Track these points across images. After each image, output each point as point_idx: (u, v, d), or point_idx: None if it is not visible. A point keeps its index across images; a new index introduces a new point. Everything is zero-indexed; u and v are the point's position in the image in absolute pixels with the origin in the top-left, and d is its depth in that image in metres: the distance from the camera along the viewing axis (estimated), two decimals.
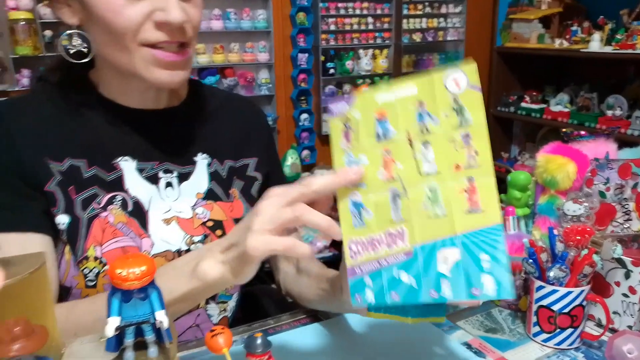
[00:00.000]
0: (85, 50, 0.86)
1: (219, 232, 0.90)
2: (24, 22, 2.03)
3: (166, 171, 0.91)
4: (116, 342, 0.55)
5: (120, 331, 0.53)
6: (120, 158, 0.88)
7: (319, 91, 2.82)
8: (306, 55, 2.73)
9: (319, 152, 2.94)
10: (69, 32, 0.85)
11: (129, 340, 0.54)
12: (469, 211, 0.53)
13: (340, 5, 2.75)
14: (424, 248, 0.54)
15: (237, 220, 0.94)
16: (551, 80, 3.21)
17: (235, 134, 1.00)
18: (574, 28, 2.86)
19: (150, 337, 0.54)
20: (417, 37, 3.01)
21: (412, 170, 0.55)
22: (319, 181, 0.60)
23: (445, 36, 3.12)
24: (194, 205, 0.92)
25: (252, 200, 0.98)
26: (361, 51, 2.88)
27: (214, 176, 0.95)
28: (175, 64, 0.83)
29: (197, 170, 0.94)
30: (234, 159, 0.98)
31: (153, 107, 0.93)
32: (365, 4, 2.81)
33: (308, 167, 2.93)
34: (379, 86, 0.56)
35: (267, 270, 1.04)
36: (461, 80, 0.53)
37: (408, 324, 0.64)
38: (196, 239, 0.91)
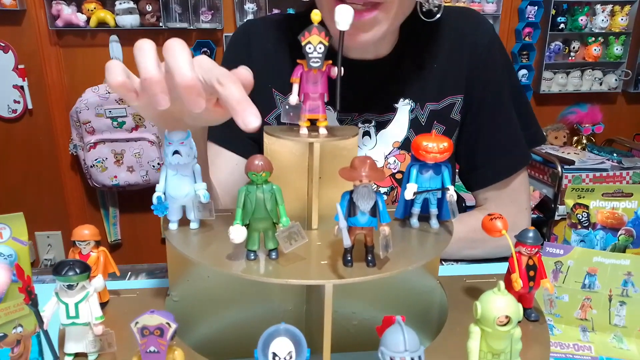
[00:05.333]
0: None
1: None
2: None
3: (365, 121, 0.92)
4: (404, 210, 0.64)
5: (409, 200, 0.61)
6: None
7: (543, 47, 2.67)
8: (535, 8, 2.60)
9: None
10: None
11: (416, 209, 0.63)
12: None
13: None
14: None
15: None
16: None
17: (442, 69, 0.93)
18: None
19: (433, 210, 0.62)
20: None
21: (604, 318, 0.69)
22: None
23: None
24: (389, 154, 0.92)
25: None
26: (598, 6, 2.64)
27: (413, 123, 0.93)
28: (355, 25, 0.72)
29: (398, 117, 0.92)
30: (437, 101, 0.93)
31: (373, 57, 0.91)
32: None
33: None
34: (595, 251, 0.70)
35: None
36: None
37: None
38: (382, 189, 0.93)
